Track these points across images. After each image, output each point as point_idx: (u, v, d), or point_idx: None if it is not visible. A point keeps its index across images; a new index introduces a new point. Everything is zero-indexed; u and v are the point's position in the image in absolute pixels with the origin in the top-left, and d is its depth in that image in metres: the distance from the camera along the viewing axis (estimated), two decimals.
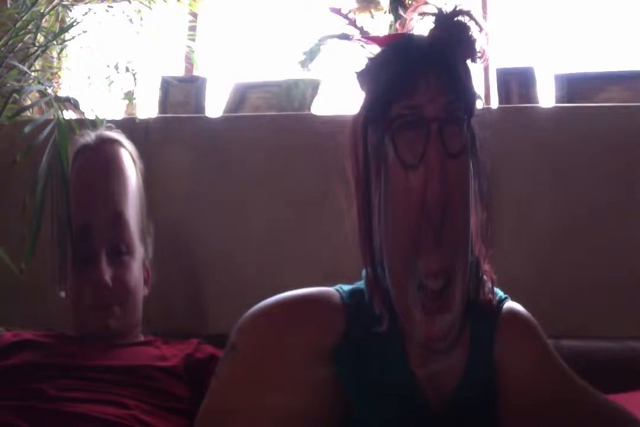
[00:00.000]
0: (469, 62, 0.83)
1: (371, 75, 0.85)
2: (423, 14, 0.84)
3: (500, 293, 0.92)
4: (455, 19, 0.81)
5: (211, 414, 0.87)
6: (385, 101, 0.80)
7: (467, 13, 0.81)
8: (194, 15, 1.85)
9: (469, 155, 0.81)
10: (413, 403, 0.84)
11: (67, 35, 1.60)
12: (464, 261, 0.82)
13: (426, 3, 0.84)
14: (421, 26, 0.85)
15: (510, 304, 0.91)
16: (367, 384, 0.84)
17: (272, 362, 0.85)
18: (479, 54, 0.82)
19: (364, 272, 0.91)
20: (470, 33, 0.81)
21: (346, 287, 0.92)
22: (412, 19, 0.86)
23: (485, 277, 0.89)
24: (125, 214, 1.26)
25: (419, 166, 0.77)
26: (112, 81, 1.60)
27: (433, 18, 0.82)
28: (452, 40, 0.81)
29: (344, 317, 0.87)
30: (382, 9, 1.62)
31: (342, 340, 0.85)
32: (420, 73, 0.78)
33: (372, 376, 0.85)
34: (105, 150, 1.31)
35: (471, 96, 0.82)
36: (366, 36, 0.88)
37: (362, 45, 1.56)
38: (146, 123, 1.57)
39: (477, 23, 0.82)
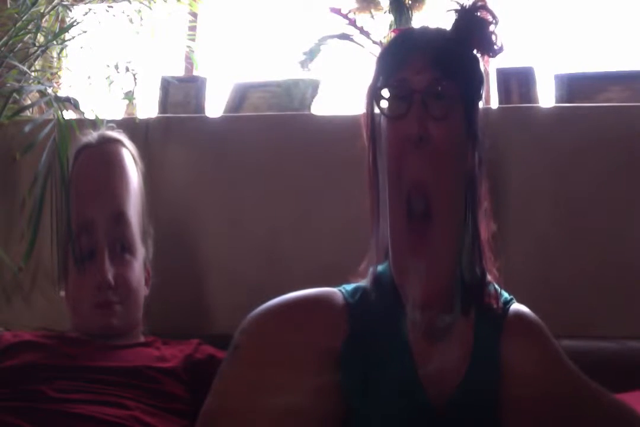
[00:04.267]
0: (482, 55, 0.91)
1: (379, 55, 0.94)
2: (449, 10, 0.91)
3: (505, 295, 0.93)
4: (474, 13, 0.89)
5: (213, 414, 0.87)
6: (381, 75, 0.89)
7: (485, 8, 0.90)
8: (194, 15, 1.85)
9: (457, 126, 0.86)
10: (415, 401, 0.84)
11: (67, 35, 1.60)
12: (449, 185, 0.86)
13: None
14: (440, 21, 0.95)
15: (516, 306, 0.92)
16: (370, 382, 0.84)
17: (274, 362, 0.85)
18: (496, 47, 0.90)
19: (370, 270, 0.91)
20: (487, 28, 0.89)
21: (349, 287, 0.93)
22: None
23: (489, 278, 0.90)
24: (127, 213, 1.26)
25: (401, 119, 0.85)
26: (112, 81, 1.60)
27: (454, 13, 0.90)
28: (465, 32, 0.89)
29: (346, 316, 0.88)
30: (382, 9, 1.61)
31: (346, 339, 0.86)
32: (412, 52, 0.87)
33: (376, 373, 0.85)
34: (106, 150, 1.31)
35: (469, 81, 0.88)
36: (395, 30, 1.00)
37: (361, 45, 1.57)
38: (146, 123, 1.57)
39: (494, 18, 0.90)
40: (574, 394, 0.87)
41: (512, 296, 0.93)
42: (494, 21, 0.90)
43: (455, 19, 0.90)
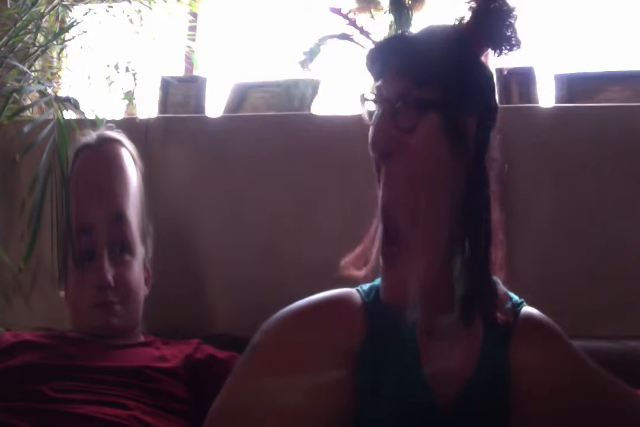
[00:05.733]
0: (499, 49, 0.87)
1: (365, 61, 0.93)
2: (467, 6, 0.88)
3: (515, 297, 0.92)
4: (492, 5, 0.86)
5: (226, 412, 0.87)
6: (369, 79, 0.90)
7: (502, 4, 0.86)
8: (194, 15, 1.85)
9: (433, 137, 0.83)
10: (421, 400, 0.84)
11: (67, 35, 1.60)
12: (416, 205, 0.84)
13: None
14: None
15: (528, 309, 0.92)
16: (381, 381, 0.85)
17: (291, 361, 0.85)
18: (513, 41, 0.86)
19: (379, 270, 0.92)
20: (505, 20, 0.86)
21: (365, 286, 0.94)
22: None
23: (497, 280, 0.90)
24: (127, 214, 1.26)
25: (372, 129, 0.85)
26: (112, 81, 1.60)
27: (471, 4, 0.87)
28: (483, 24, 0.86)
29: (364, 315, 0.88)
30: (382, 9, 1.61)
31: (364, 339, 0.86)
32: (387, 61, 0.86)
33: (386, 372, 0.85)
34: (106, 150, 1.31)
35: (453, 87, 0.84)
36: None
37: (361, 45, 1.57)
38: (146, 123, 1.57)
39: (511, 10, 0.86)
40: (596, 395, 0.86)
41: (522, 299, 0.93)
42: (512, 14, 0.86)
43: (472, 11, 0.86)
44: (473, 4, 0.86)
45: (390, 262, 0.85)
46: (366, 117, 0.89)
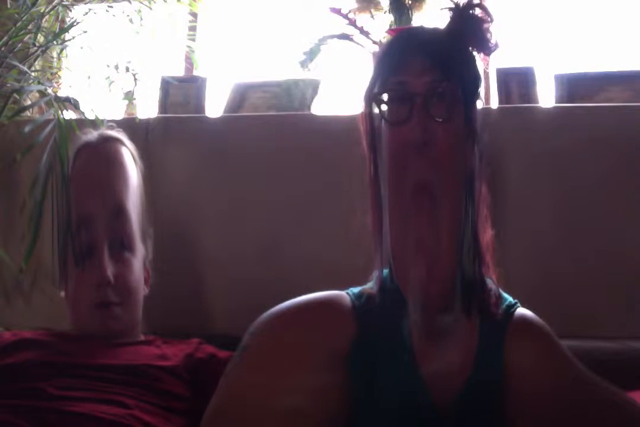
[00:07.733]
0: (478, 53, 0.92)
1: (376, 57, 0.94)
2: (443, 8, 0.92)
3: (509, 298, 0.93)
4: (469, 11, 0.90)
5: (218, 414, 0.87)
6: (379, 78, 0.89)
7: (481, 6, 0.90)
8: (194, 15, 1.85)
9: (459, 126, 0.87)
10: (418, 401, 0.84)
11: (67, 35, 1.60)
12: (451, 181, 0.86)
13: None
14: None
15: (522, 310, 0.92)
16: (375, 383, 0.85)
17: (281, 362, 0.86)
18: (491, 45, 0.91)
19: (375, 274, 0.92)
20: (481, 26, 0.90)
21: (355, 290, 0.94)
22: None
23: (491, 282, 0.90)
24: (127, 211, 1.26)
25: (404, 124, 0.85)
26: (112, 81, 1.60)
27: (450, 11, 0.91)
28: (461, 30, 0.90)
29: (354, 318, 0.88)
30: (382, 9, 1.62)
31: (354, 340, 0.86)
32: (411, 54, 0.87)
33: (381, 374, 0.85)
34: (106, 148, 1.31)
35: (467, 79, 0.89)
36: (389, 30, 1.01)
37: (361, 45, 1.57)
38: (146, 123, 1.57)
39: (489, 16, 0.91)
40: (582, 396, 0.87)
41: (516, 300, 0.93)
42: (489, 19, 0.90)
43: (450, 17, 0.90)
44: (450, 12, 0.91)
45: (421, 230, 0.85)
46: (378, 115, 0.89)
